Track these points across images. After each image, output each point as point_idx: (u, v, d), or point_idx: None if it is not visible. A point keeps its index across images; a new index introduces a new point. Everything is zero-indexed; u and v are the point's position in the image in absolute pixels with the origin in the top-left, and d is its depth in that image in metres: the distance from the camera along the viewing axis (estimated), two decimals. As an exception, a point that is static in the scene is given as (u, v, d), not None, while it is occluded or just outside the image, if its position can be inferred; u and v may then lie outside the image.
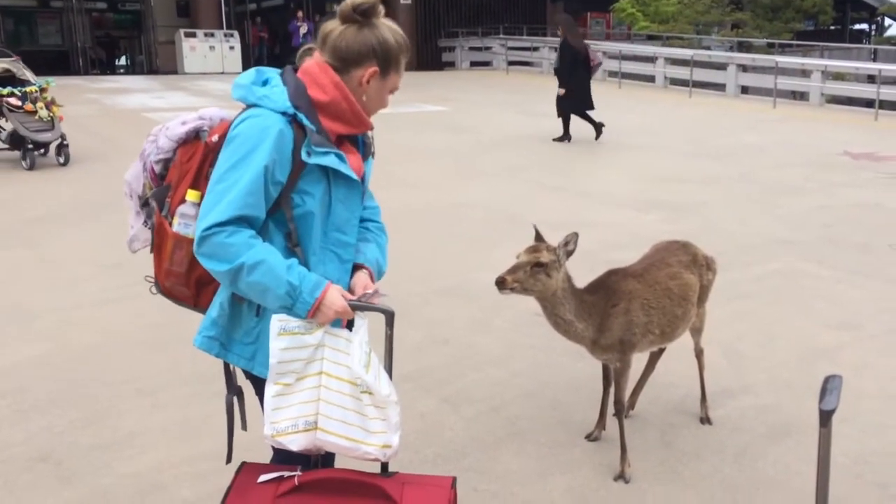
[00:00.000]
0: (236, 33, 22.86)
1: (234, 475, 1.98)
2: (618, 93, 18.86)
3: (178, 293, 2.09)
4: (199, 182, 1.98)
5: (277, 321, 1.88)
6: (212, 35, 22.18)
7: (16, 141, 9.00)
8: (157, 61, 23.70)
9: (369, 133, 2.11)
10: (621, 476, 3.12)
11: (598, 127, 11.35)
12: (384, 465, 1.98)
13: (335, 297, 1.88)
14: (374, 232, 2.19)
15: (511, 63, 23.18)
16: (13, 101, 8.78)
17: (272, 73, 1.99)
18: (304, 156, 1.88)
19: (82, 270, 5.64)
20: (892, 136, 12.88)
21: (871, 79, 17.48)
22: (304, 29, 21.76)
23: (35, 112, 8.82)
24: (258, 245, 1.83)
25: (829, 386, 1.67)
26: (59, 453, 3.28)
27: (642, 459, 3.24)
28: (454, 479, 1.99)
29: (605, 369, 3.34)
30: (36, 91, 8.99)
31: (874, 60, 22.57)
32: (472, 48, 25.59)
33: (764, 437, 3.47)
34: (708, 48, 23.89)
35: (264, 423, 1.93)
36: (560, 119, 11.36)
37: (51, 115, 8.94)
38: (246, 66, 22.07)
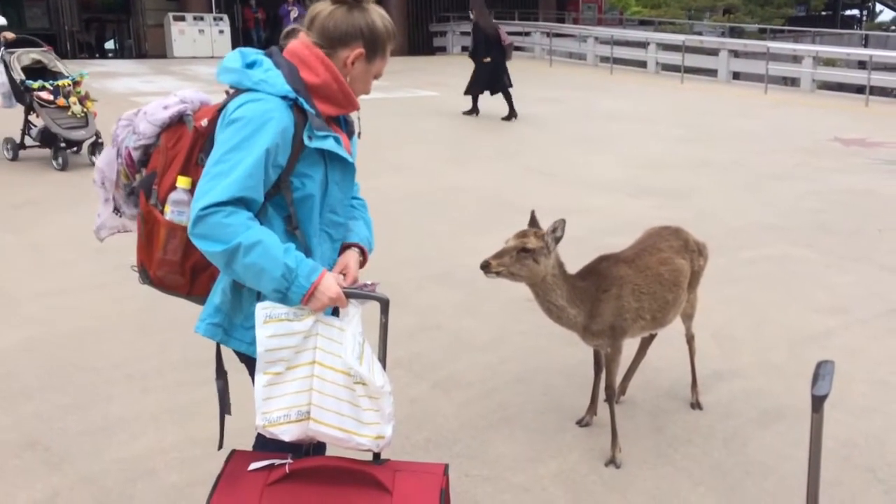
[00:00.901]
0: (226, 17, 22.66)
1: (224, 464, 1.95)
2: (609, 78, 18.82)
3: (171, 282, 2.05)
4: (189, 168, 1.95)
5: (262, 309, 1.85)
6: (201, 19, 21.97)
7: (47, 138, 8.23)
8: (145, 45, 23.49)
9: (353, 114, 2.10)
10: (612, 461, 3.12)
11: (512, 110, 11.73)
12: (376, 454, 1.96)
13: (330, 284, 1.85)
14: (359, 209, 2.19)
15: (502, 48, 23.08)
16: (44, 95, 8.03)
17: (257, 54, 1.94)
18: (305, 140, 1.87)
19: (68, 255, 5.60)
20: (883, 122, 12.92)
21: (861, 65, 17.49)
22: (294, 13, 21.60)
23: (68, 107, 8.07)
24: (256, 226, 1.80)
25: (822, 371, 1.67)
26: (48, 439, 3.26)
27: (633, 444, 3.25)
28: (446, 466, 1.98)
29: (597, 355, 3.34)
30: (69, 84, 8.23)
31: (865, 46, 22.62)
32: (463, 33, 25.44)
33: (754, 421, 3.48)
34: (700, 34, 23.88)
35: (256, 412, 1.90)
36: (469, 96, 12.06)
37: (84, 110, 8.19)
38: (236, 50, 22.13)
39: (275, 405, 1.88)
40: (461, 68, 20.37)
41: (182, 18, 21.77)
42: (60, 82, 8.21)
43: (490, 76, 11.66)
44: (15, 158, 8.43)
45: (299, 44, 1.95)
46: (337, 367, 1.87)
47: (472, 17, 12.20)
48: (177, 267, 2.00)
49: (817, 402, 1.63)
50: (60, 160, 8.17)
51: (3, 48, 8.08)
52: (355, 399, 1.87)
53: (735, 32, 23.19)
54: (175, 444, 3.23)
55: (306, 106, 1.88)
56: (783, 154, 9.80)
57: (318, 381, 1.87)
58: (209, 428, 3.35)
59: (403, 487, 1.86)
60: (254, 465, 1.90)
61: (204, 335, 1.98)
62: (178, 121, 2.00)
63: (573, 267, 3.11)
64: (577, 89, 16.30)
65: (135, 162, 2.03)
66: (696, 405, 3.58)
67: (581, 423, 3.42)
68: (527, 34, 24.10)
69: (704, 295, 3.60)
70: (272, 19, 23.80)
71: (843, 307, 4.83)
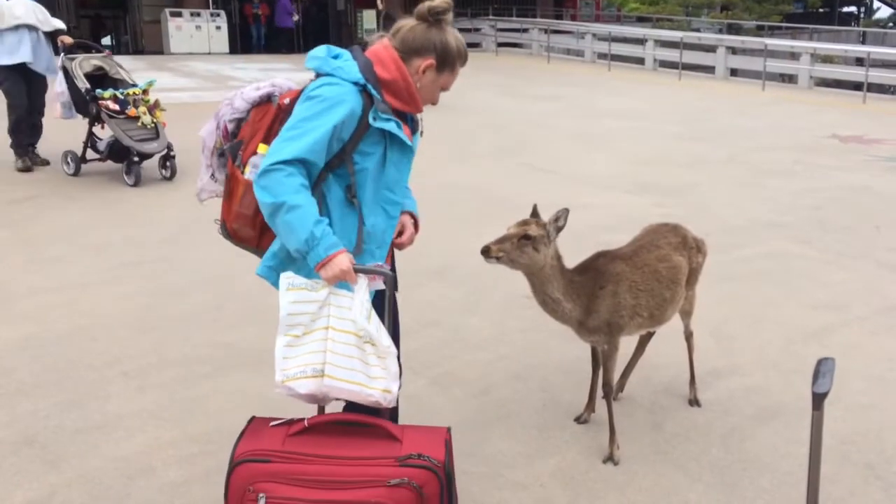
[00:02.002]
0: (223, 13, 22.58)
1: (246, 424, 2.16)
2: (607, 75, 18.81)
3: (244, 234, 2.37)
4: (269, 138, 2.27)
5: (285, 278, 2.11)
6: (198, 15, 21.88)
7: (117, 152, 7.41)
8: (142, 41, 23.40)
9: (418, 115, 2.42)
10: (610, 458, 3.12)
11: None
12: (388, 410, 2.21)
13: (343, 260, 2.08)
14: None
15: (500, 45, 23.06)
16: (112, 105, 7.24)
17: (341, 50, 2.28)
18: (370, 120, 2.19)
19: (64, 252, 5.58)
20: (881, 119, 12.92)
21: (859, 61, 17.50)
22: (295, 17, 21.63)
23: (138, 118, 7.29)
24: (304, 193, 2.08)
25: (822, 369, 1.66)
26: (45, 437, 3.25)
27: (631, 441, 3.25)
28: (449, 428, 2.20)
29: (595, 352, 3.33)
30: (138, 93, 7.46)
31: (863, 43, 22.63)
32: (461, 29, 25.22)
33: (752, 418, 3.48)
34: (697, 30, 23.87)
35: (276, 371, 2.12)
36: None
37: (154, 120, 7.42)
38: (234, 47, 22.03)
39: (292, 363, 2.12)
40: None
41: (179, 14, 21.69)
42: (130, 91, 7.42)
43: None
44: (76, 173, 7.64)
45: (380, 45, 2.28)
46: (348, 329, 2.11)
47: (379, 6, 12.84)
48: (249, 220, 2.32)
49: (818, 400, 1.62)
50: (134, 176, 7.36)
51: (62, 54, 7.39)
52: (365, 357, 2.11)
53: (733, 29, 23.21)
54: (172, 441, 3.22)
55: (374, 92, 2.20)
56: (781, 151, 9.80)
57: (332, 342, 2.11)
58: (207, 425, 3.36)
59: (412, 438, 2.08)
60: (275, 423, 2.12)
61: (259, 275, 2.29)
62: (267, 100, 2.34)
63: (570, 263, 3.10)
64: (575, 86, 16.29)
65: (229, 133, 2.38)
66: (694, 402, 3.57)
67: (579, 419, 3.41)
68: (524, 31, 24.08)
69: (702, 292, 3.60)
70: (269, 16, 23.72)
71: (842, 304, 4.83)
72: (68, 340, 4.16)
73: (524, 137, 10.57)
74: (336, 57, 2.25)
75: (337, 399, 2.23)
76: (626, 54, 20.76)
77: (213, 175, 2.45)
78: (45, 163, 7.94)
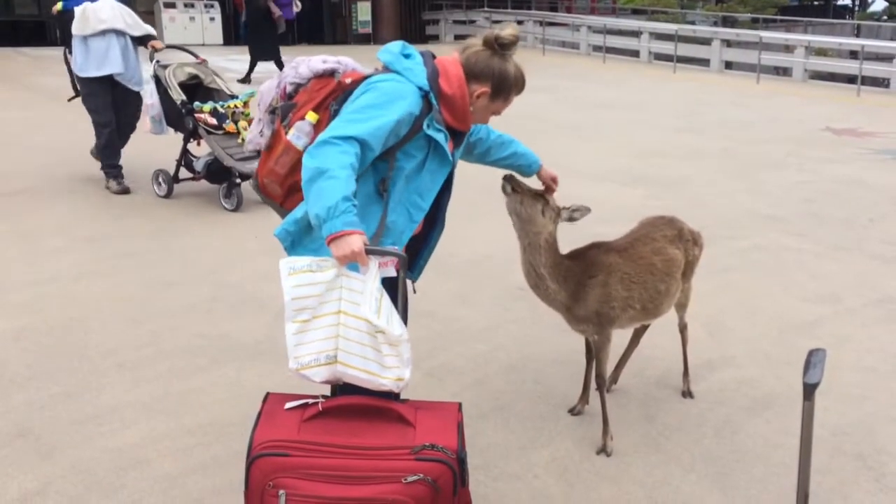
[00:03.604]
0: (217, 3, 22.46)
1: (262, 404, 2.18)
2: (602, 67, 18.80)
3: (271, 190, 2.44)
4: (320, 108, 2.35)
5: (285, 263, 2.11)
6: (192, 6, 21.77)
7: (217, 172, 6.51)
8: (136, 32, 23.22)
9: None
10: (603, 449, 3.13)
11: (247, 76, 13.69)
12: (396, 394, 2.20)
13: (356, 240, 2.05)
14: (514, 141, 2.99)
15: (495, 36, 22.98)
16: (210, 119, 6.33)
17: (415, 50, 2.35)
18: (424, 126, 2.26)
19: (59, 243, 5.57)
20: (874, 112, 12.94)
21: (853, 54, 17.51)
22: (296, 8, 21.40)
23: (237, 133, 6.33)
24: (349, 171, 2.08)
25: (814, 360, 1.68)
26: (39, 428, 3.25)
27: (625, 433, 3.26)
28: (460, 404, 2.25)
29: (588, 343, 3.35)
30: (239, 105, 6.52)
31: (857, 36, 22.66)
32: (456, 21, 25.35)
33: (745, 409, 3.50)
34: (692, 23, 23.85)
35: (289, 358, 2.13)
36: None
37: None
38: (228, 38, 21.90)
39: (305, 350, 2.12)
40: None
41: (172, 5, 21.57)
42: (231, 104, 6.50)
43: (265, 46, 13.65)
44: (168, 195, 6.72)
45: (450, 59, 2.35)
46: (360, 315, 2.09)
47: None
48: (279, 178, 2.39)
49: (809, 390, 1.63)
50: (235, 199, 6.41)
51: (155, 62, 6.49)
52: (377, 345, 2.10)
53: (728, 22, 23.17)
54: (167, 433, 3.23)
55: (434, 101, 2.27)
56: (775, 144, 9.82)
57: (344, 328, 2.11)
58: (202, 417, 3.36)
59: (424, 420, 2.12)
60: (289, 405, 2.14)
61: (276, 236, 2.32)
62: (330, 74, 2.41)
63: (565, 252, 3.11)
64: (570, 78, 16.28)
65: (286, 94, 2.46)
66: (687, 394, 3.59)
67: (573, 411, 3.43)
68: (520, 23, 23.97)
69: (696, 284, 3.61)
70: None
71: (834, 296, 4.86)
72: (63, 332, 4.16)
73: (519, 129, 10.53)
74: (408, 56, 2.32)
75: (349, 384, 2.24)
76: (621, 47, 20.72)
77: (261, 131, 2.51)
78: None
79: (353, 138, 2.11)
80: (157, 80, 6.45)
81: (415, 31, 25.87)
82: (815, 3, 33.65)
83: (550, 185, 2.95)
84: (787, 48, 18.14)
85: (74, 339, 4.08)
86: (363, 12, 24.70)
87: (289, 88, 2.45)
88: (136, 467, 2.99)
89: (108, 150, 6.79)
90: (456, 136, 2.44)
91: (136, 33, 6.63)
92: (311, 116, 2.34)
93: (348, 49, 19.68)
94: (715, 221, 6.19)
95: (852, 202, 7.08)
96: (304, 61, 2.45)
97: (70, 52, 6.70)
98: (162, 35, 21.27)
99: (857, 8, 36.46)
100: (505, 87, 2.36)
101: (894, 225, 6.41)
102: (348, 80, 2.35)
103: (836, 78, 17.62)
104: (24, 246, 5.52)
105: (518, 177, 2.96)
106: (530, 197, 2.91)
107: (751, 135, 10.45)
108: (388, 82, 2.24)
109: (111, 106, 6.64)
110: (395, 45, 2.35)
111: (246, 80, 13.44)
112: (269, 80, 2.53)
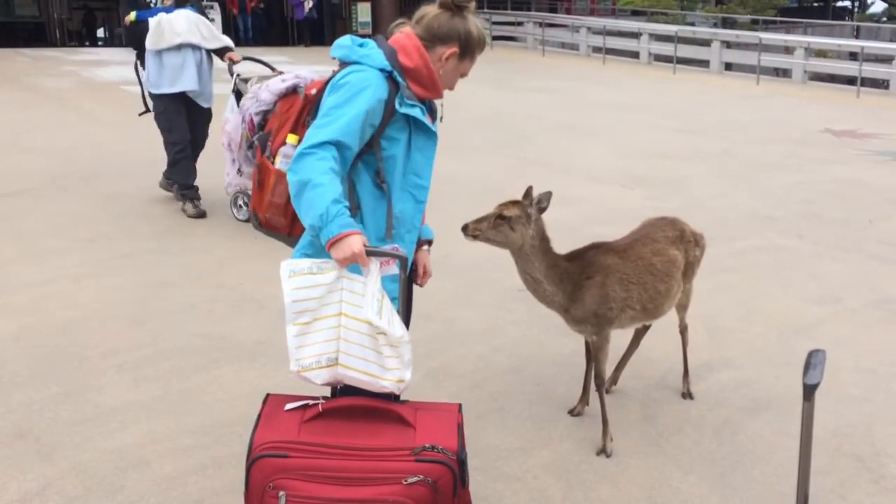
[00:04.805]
0: (216, 4, 22.42)
1: (262, 405, 2.17)
2: (602, 69, 18.80)
3: (276, 223, 2.44)
4: (297, 128, 2.36)
5: (286, 265, 2.10)
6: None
7: None
8: (135, 33, 23.19)
9: (437, 102, 2.47)
10: (603, 450, 3.13)
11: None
12: (397, 396, 2.20)
13: (356, 241, 2.05)
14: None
15: (495, 38, 23.00)
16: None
17: (365, 39, 2.34)
18: (396, 105, 2.22)
19: (57, 244, 5.57)
20: (874, 113, 12.95)
21: (853, 56, 17.52)
22: (309, 3, 21.35)
23: None
24: (331, 175, 2.08)
25: (813, 360, 1.68)
26: (39, 429, 3.25)
27: (624, 434, 3.26)
28: (460, 405, 2.24)
29: (588, 345, 3.35)
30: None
31: (857, 37, 22.66)
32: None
33: (744, 410, 3.50)
34: (692, 24, 23.86)
35: (290, 360, 2.12)
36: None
37: None
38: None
39: (306, 352, 2.12)
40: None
41: (172, 6, 21.54)
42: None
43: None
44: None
45: (403, 35, 2.33)
46: (361, 317, 2.10)
47: None
48: (281, 209, 2.39)
49: (808, 391, 1.64)
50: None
51: (235, 76, 6.00)
52: (378, 347, 2.10)
53: (727, 23, 23.19)
54: (167, 433, 3.23)
55: (399, 78, 2.25)
56: (774, 145, 9.82)
57: (345, 330, 2.11)
58: (202, 417, 3.36)
59: (424, 422, 2.11)
60: (289, 406, 2.14)
61: (293, 259, 2.28)
62: (293, 91, 2.44)
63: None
64: (570, 80, 16.28)
65: (255, 125, 2.49)
66: (686, 395, 3.59)
67: (573, 412, 3.43)
68: (519, 24, 24.03)
69: (695, 285, 3.61)
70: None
71: (833, 297, 4.86)
72: (62, 332, 4.16)
73: (518, 131, 10.57)
74: (361, 45, 2.30)
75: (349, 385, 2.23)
76: (620, 48, 20.74)
77: (239, 170, 2.50)
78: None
79: (326, 143, 2.10)
80: (239, 96, 5.78)
81: (414, 32, 25.83)
82: (815, 4, 33.66)
83: (422, 267, 2.62)
84: (787, 49, 18.16)
85: (74, 339, 4.08)
86: (363, 13, 24.71)
87: (256, 119, 2.46)
88: (136, 468, 2.99)
89: (182, 171, 6.28)
90: (428, 107, 2.41)
91: (213, 46, 6.22)
92: (292, 139, 2.34)
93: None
94: (714, 222, 6.19)
95: (852, 203, 7.08)
96: (264, 87, 2.42)
97: (142, 65, 6.40)
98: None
99: (856, 9, 36.48)
100: (471, 45, 2.36)
101: (893, 225, 6.42)
102: (313, 91, 2.34)
103: (835, 79, 17.64)
104: (23, 246, 5.52)
105: (471, 220, 2.94)
106: (491, 227, 2.88)
107: (750, 136, 10.46)
108: (348, 75, 2.22)
109: (185, 124, 6.26)
110: (345, 39, 2.33)
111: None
112: (233, 118, 2.50)
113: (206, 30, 6.18)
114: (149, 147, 7.41)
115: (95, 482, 2.91)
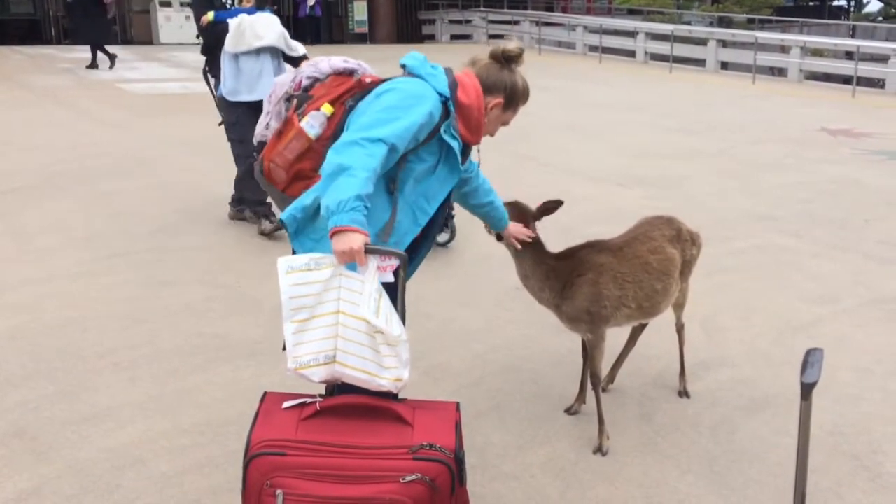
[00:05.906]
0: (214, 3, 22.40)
1: (259, 403, 2.17)
2: (598, 68, 18.81)
3: (276, 175, 2.45)
4: (336, 102, 2.39)
5: (284, 261, 2.11)
6: (188, 5, 21.69)
7: None
8: (131, 31, 23.21)
9: (475, 148, 2.60)
10: (599, 449, 3.14)
11: (112, 58, 15.46)
12: (395, 395, 2.21)
13: (357, 238, 2.06)
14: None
15: (492, 36, 22.99)
16: None
17: (437, 64, 2.43)
18: (441, 131, 2.31)
19: (54, 242, 5.55)
20: (870, 112, 12.98)
21: (849, 55, 17.56)
22: (311, 2, 21.29)
23: None
24: (369, 174, 2.10)
25: (811, 359, 1.68)
26: (35, 428, 3.24)
27: (621, 432, 3.26)
28: (458, 404, 2.25)
29: (585, 343, 3.34)
30: None
31: (852, 37, 22.68)
32: (452, 21, 25.35)
33: (741, 409, 3.51)
34: (688, 23, 23.89)
35: (287, 358, 2.13)
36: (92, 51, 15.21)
37: None
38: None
39: (304, 350, 2.13)
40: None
41: (168, 5, 21.52)
42: None
43: (97, 32, 15.11)
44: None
45: (465, 73, 2.45)
46: (359, 315, 2.10)
47: None
48: (287, 163, 2.40)
49: (806, 390, 1.64)
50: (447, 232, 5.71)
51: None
52: (376, 346, 2.11)
53: (723, 22, 23.22)
54: (163, 432, 3.22)
55: (452, 108, 2.34)
56: (771, 144, 9.84)
57: (343, 328, 2.11)
58: (199, 416, 3.35)
59: (422, 420, 2.12)
60: (287, 404, 2.13)
61: (283, 220, 2.32)
62: (349, 74, 2.46)
63: (562, 255, 3.12)
64: (567, 78, 16.28)
65: (301, 87, 2.50)
66: (683, 393, 3.59)
67: (570, 411, 3.43)
68: (516, 23, 24.03)
69: (693, 284, 3.61)
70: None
71: (830, 296, 4.86)
72: (59, 331, 4.15)
73: (515, 129, 10.52)
74: (433, 67, 2.40)
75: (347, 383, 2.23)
76: (617, 47, 20.74)
77: (268, 123, 2.54)
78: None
79: (381, 141, 2.13)
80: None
81: (411, 31, 25.89)
82: (811, 3, 33.71)
83: (515, 244, 3.01)
84: (783, 49, 18.18)
85: (70, 338, 4.06)
86: (359, 11, 24.69)
87: (305, 82, 2.49)
88: (133, 467, 2.99)
89: (254, 185, 5.39)
90: (465, 151, 2.48)
91: (297, 53, 5.77)
92: (327, 108, 2.38)
93: (345, 48, 19.67)
94: (711, 222, 6.20)
95: (848, 203, 7.09)
96: (325, 60, 2.51)
97: (209, 70, 5.99)
98: (157, 34, 21.30)
99: (852, 9, 36.54)
100: (515, 97, 2.50)
101: (890, 225, 6.43)
102: (368, 80, 2.40)
103: (831, 78, 17.68)
104: (19, 245, 5.51)
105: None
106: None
107: (746, 135, 10.47)
108: (410, 83, 2.29)
109: None
110: (419, 54, 2.42)
111: (93, 65, 15.14)
112: (285, 75, 2.58)
113: (285, 35, 5.76)
114: (145, 146, 7.40)
115: (91, 481, 2.90)
